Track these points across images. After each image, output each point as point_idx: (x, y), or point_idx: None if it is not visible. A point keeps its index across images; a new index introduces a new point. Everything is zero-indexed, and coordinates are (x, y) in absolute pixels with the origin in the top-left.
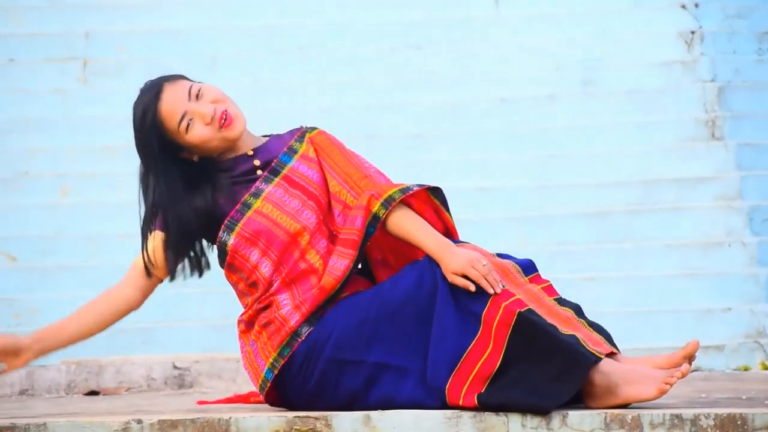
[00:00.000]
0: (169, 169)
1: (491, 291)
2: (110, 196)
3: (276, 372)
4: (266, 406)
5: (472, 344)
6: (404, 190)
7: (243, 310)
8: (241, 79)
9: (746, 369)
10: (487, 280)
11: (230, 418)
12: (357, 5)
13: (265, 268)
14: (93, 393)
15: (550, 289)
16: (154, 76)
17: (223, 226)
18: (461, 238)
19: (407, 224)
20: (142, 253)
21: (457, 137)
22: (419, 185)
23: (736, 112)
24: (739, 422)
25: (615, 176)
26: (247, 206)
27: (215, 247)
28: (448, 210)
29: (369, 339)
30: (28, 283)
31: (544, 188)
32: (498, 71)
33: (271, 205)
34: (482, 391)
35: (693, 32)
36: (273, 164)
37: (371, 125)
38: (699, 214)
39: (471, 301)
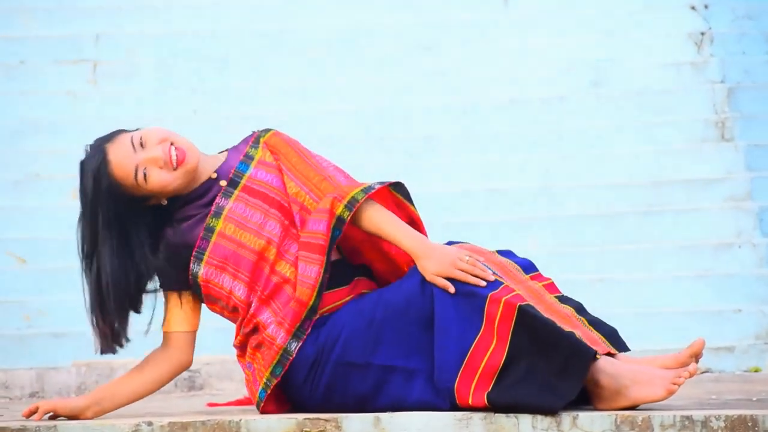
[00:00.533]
0: (138, 228)
1: (482, 284)
2: None
3: (269, 391)
4: None
5: (475, 341)
6: (366, 189)
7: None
8: (251, 82)
9: (757, 370)
10: (474, 274)
11: (240, 420)
12: (367, 8)
13: (240, 291)
14: None
15: (551, 287)
16: (165, 79)
17: (192, 257)
18: (473, 240)
19: (380, 222)
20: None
21: (467, 139)
22: (381, 183)
23: (746, 113)
24: (749, 424)
25: (625, 177)
26: (211, 230)
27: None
28: (411, 202)
29: (375, 342)
30: (38, 284)
31: (553, 189)
32: (508, 73)
33: (234, 225)
34: (490, 388)
35: (702, 33)
36: (231, 175)
37: (382, 128)
38: (709, 216)
39: (470, 299)
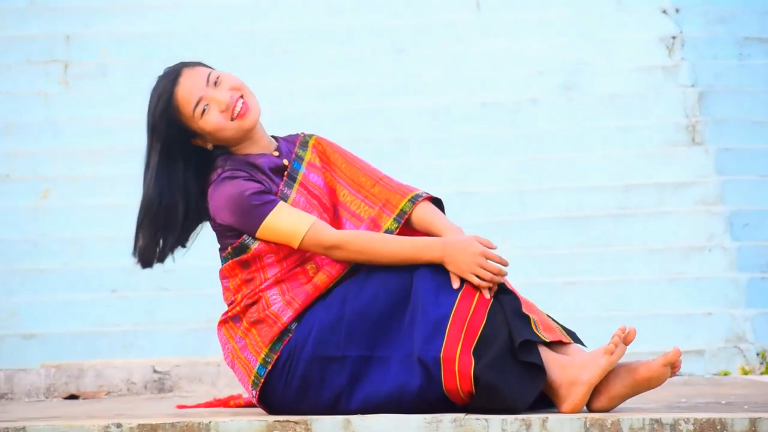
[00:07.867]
0: (176, 155)
1: (486, 295)
2: (91, 200)
3: (269, 368)
4: (246, 410)
5: (456, 302)
6: (413, 198)
7: (227, 307)
8: None
9: (726, 374)
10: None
11: (210, 422)
12: (340, 10)
13: (271, 271)
14: (73, 397)
15: None
16: (137, 80)
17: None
18: None
19: (429, 219)
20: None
21: (439, 141)
22: (426, 193)
23: (717, 117)
24: (718, 427)
25: (596, 181)
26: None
27: (226, 244)
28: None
29: (349, 335)
30: (8, 285)
31: (525, 192)
32: (480, 75)
33: None
34: (474, 356)
35: (674, 37)
36: (288, 170)
37: (354, 129)
38: (679, 219)
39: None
